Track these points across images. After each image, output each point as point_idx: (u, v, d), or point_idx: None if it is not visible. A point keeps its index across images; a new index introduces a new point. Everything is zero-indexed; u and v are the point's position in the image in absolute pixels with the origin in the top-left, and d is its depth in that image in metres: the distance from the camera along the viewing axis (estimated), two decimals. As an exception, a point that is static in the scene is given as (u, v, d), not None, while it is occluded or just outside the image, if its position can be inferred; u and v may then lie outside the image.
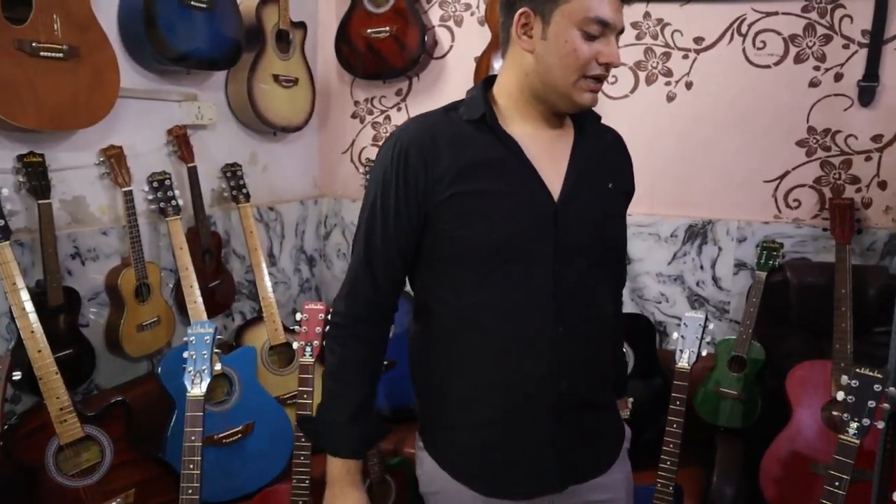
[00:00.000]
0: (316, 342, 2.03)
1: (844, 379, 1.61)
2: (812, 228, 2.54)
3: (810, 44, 2.47)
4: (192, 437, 1.76)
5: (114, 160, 2.23)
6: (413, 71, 3.00)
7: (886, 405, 1.58)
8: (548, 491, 1.30)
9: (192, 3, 2.29)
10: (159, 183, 2.36)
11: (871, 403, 1.57)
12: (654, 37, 2.66)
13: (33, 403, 1.97)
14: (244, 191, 2.69)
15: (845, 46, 2.43)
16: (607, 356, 1.37)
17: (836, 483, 1.59)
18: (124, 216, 2.24)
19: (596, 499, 1.34)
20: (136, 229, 2.23)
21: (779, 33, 2.50)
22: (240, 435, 2.31)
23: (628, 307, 2.82)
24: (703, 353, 2.02)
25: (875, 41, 2.36)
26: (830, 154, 2.50)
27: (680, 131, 2.67)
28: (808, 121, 2.51)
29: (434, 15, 2.98)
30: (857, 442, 1.57)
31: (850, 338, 2.17)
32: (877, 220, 2.47)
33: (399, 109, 3.12)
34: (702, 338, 2.01)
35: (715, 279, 2.69)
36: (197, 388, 1.79)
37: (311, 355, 2.03)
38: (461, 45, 2.97)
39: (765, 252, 2.45)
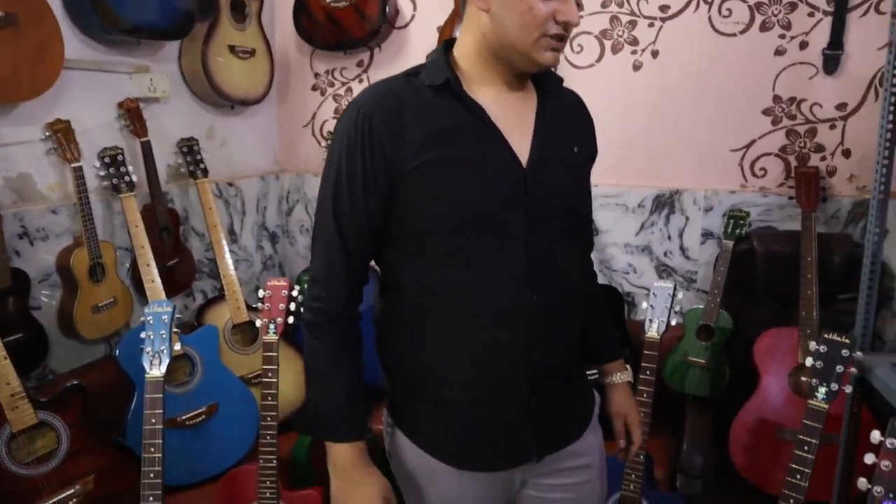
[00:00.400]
0: (279, 319, 1.98)
1: (813, 345, 1.62)
2: (778, 197, 2.54)
3: (776, 11, 2.45)
4: (153, 420, 1.71)
5: (61, 135, 2.13)
6: (374, 41, 2.92)
7: (854, 370, 1.59)
8: (523, 461, 1.28)
9: (141, -31, 2.19)
10: (111, 158, 2.27)
11: (839, 368, 1.58)
12: (620, 4, 2.62)
13: (-17, 390, 1.89)
14: (202, 166, 2.60)
15: (810, 14, 2.42)
16: (575, 325, 1.34)
17: (805, 447, 1.59)
18: (74, 193, 2.15)
19: (571, 465, 1.33)
20: (87, 207, 2.14)
21: (744, 1, 2.48)
22: (203, 416, 2.25)
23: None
24: (672, 323, 2.03)
25: (839, 9, 2.35)
26: (796, 123, 2.50)
27: (646, 101, 2.65)
28: (773, 89, 2.50)
29: (395, -17, 2.91)
30: (826, 406, 1.58)
31: (816, 305, 2.19)
32: (841, 189, 2.48)
33: (361, 81, 3.05)
34: (671, 307, 2.01)
35: (682, 249, 2.69)
36: (156, 369, 1.74)
37: (274, 332, 1.98)
38: (423, 14, 2.90)
39: (731, 221, 2.45)
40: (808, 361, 1.62)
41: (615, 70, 2.67)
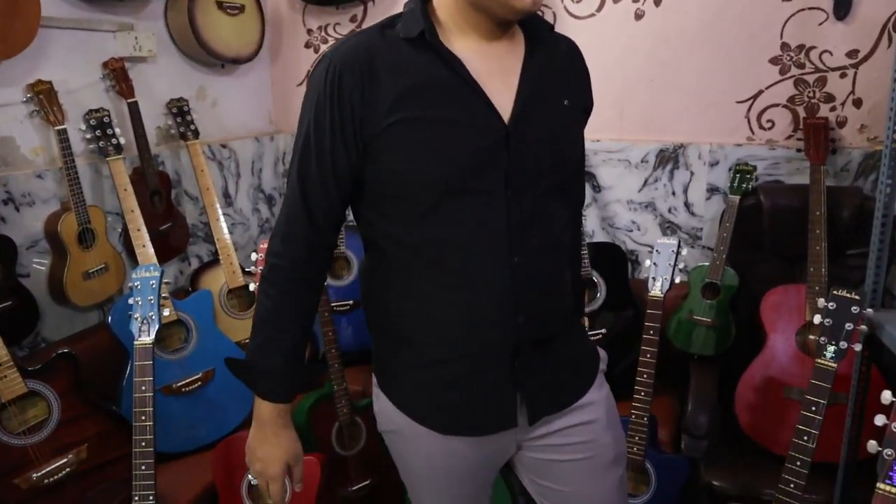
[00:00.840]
0: (273, 284, 1.94)
1: (821, 302, 1.56)
2: (786, 150, 2.46)
3: (784, -46, 2.34)
4: (143, 388, 1.68)
5: (43, 97, 2.06)
6: (368, -6, 2.83)
7: (864, 327, 1.54)
8: (509, 426, 1.24)
9: (120, -80, 2.10)
10: (97, 121, 2.20)
11: (849, 326, 1.53)
12: (622, -49, 2.51)
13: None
14: (192, 127, 2.53)
15: (820, -45, 2.31)
16: (566, 285, 1.29)
17: (813, 408, 1.55)
18: (60, 157, 2.09)
19: (572, 423, 1.28)
20: (73, 171, 2.08)
21: (751, -57, 2.37)
22: (199, 383, 2.23)
23: (599, 236, 2.74)
24: (677, 281, 1.97)
25: (852, -51, 2.25)
26: (804, 71, 2.40)
27: (649, 52, 2.55)
28: (781, 37, 2.40)
29: (388, -67, 2.79)
30: (835, 366, 1.53)
31: (825, 261, 2.12)
32: (851, 140, 2.39)
33: (355, 37, 2.95)
34: (675, 265, 1.95)
35: (687, 205, 2.61)
36: (145, 336, 1.70)
37: (268, 298, 1.93)
38: (418, -35, 2.79)
39: (738, 175, 2.37)
40: (817, 319, 1.57)
41: (616, 20, 2.57)
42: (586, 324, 1.66)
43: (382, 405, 1.29)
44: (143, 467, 1.63)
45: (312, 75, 1.14)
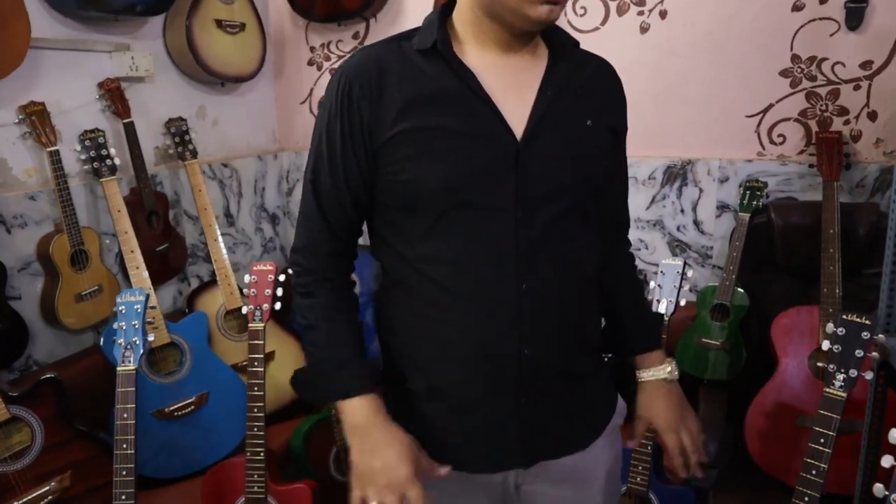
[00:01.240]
0: (266, 305, 1.90)
1: (830, 327, 1.47)
2: (798, 165, 2.37)
3: (794, -37, 2.27)
4: (125, 415, 1.64)
5: (35, 118, 2.04)
6: (369, 11, 2.79)
7: (875, 354, 1.45)
8: (510, 466, 1.17)
9: (113, -61, 2.08)
10: (92, 141, 2.18)
11: (859, 353, 1.44)
12: (626, -37, 2.46)
13: (-43, 384, 1.83)
14: (190, 147, 2.51)
15: (831, -36, 2.23)
16: (586, 318, 1.21)
17: (822, 440, 1.46)
18: (52, 179, 2.06)
19: (571, 478, 1.21)
20: (66, 192, 2.06)
21: (760, -47, 2.30)
22: (192, 407, 2.18)
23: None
24: (682, 303, 1.89)
25: (864, -43, 2.17)
26: (816, 84, 2.32)
27: (655, 65, 2.48)
28: (791, 48, 2.32)
29: (390, -51, 2.76)
30: (844, 395, 1.45)
31: (839, 281, 2.03)
32: (866, 154, 2.30)
33: (358, 54, 2.92)
34: (680, 286, 1.88)
35: (696, 223, 2.53)
36: (128, 362, 1.66)
37: (260, 319, 1.90)
38: (420, -20, 2.76)
39: (748, 192, 2.29)
40: (825, 345, 1.48)
41: (621, 33, 2.51)
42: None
43: None
44: (124, 497, 1.59)
45: (327, 88, 1.13)
